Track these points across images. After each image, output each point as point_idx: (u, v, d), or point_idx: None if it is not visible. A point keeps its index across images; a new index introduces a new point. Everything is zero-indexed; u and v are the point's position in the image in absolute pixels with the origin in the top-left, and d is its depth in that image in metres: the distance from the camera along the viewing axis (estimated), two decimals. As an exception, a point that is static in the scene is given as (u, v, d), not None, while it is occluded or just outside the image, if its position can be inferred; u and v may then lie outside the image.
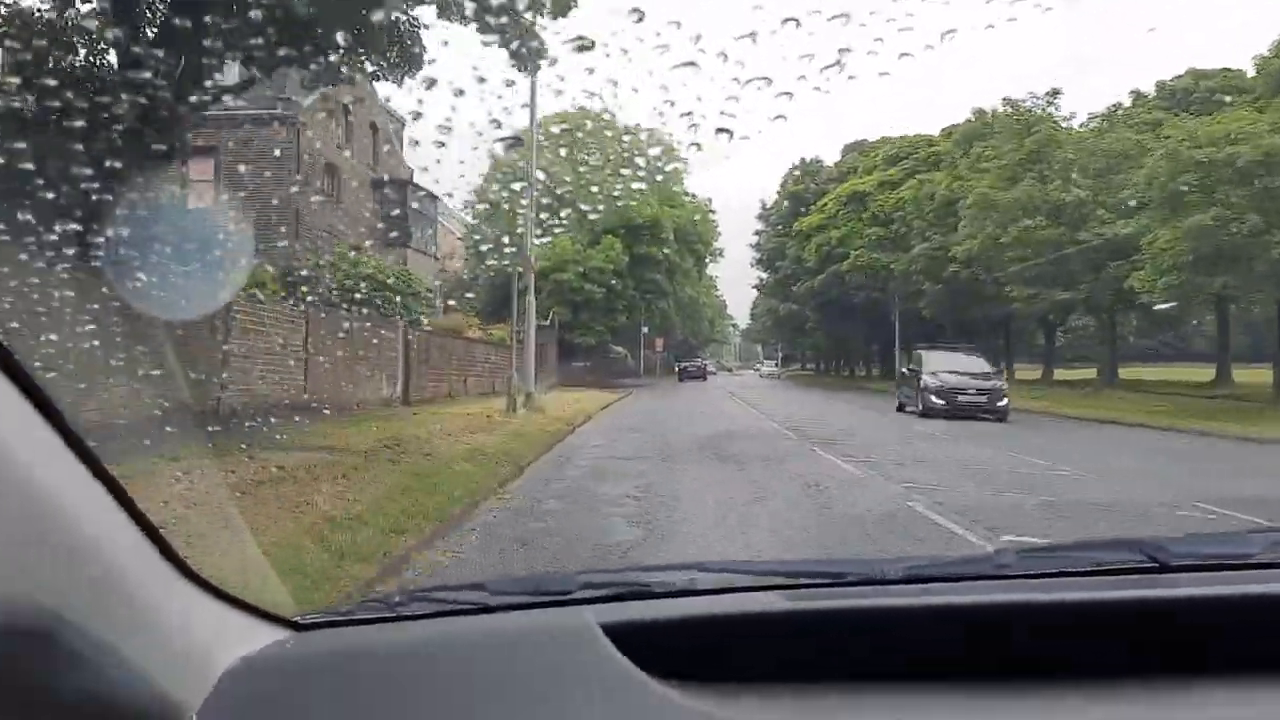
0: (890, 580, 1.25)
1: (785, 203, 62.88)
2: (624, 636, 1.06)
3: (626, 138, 25.24)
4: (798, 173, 62.64)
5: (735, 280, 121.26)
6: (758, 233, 67.24)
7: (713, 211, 53.47)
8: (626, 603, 1.19)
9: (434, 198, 29.70)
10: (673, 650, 1.06)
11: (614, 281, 39.48)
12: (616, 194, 23.83)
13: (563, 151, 25.49)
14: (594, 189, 22.83)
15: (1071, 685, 1.00)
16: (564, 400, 22.33)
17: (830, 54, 4.06)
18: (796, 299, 59.01)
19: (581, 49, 5.35)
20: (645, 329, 47.82)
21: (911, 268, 41.23)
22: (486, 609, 1.21)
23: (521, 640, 1.13)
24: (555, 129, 29.18)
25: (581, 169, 23.25)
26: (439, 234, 32.59)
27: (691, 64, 3.97)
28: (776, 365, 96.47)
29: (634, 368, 53.07)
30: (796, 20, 3.74)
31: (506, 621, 1.19)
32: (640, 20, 4.33)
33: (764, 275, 68.43)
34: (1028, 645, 1.06)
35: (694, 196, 49.05)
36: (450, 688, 1.05)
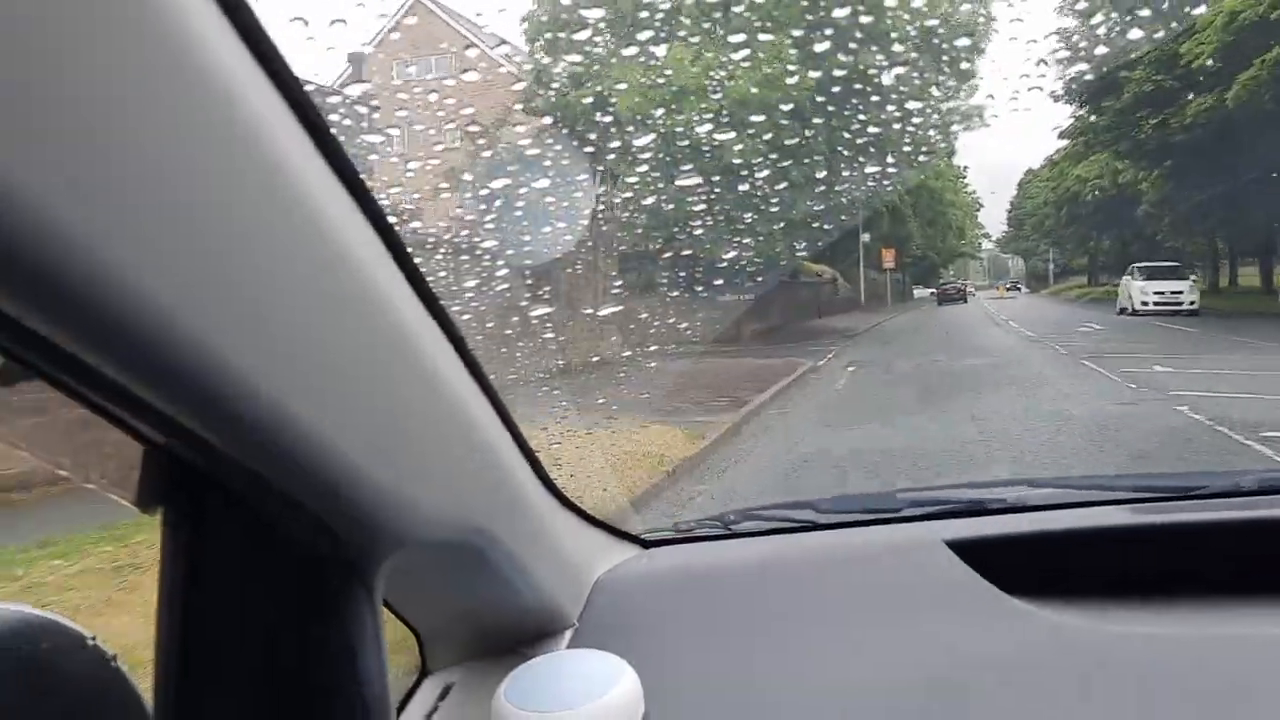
0: (1249, 492, 1.24)
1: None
2: (971, 552, 1.11)
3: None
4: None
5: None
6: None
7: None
8: (964, 519, 1.25)
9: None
10: (1022, 566, 1.10)
11: (794, 139, 17.09)
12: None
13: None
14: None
15: None
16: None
17: None
18: (1146, 151, 32.70)
19: None
20: (865, 235, 32.59)
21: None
22: (817, 526, 1.32)
23: (863, 555, 1.22)
24: None
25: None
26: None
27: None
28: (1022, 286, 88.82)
29: (845, 299, 37.80)
30: None
31: (841, 538, 1.30)
32: None
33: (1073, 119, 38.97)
34: None
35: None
36: (799, 600, 1.14)
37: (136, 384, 0.47)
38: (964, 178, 65.61)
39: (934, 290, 60.14)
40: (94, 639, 0.67)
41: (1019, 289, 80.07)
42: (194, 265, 0.44)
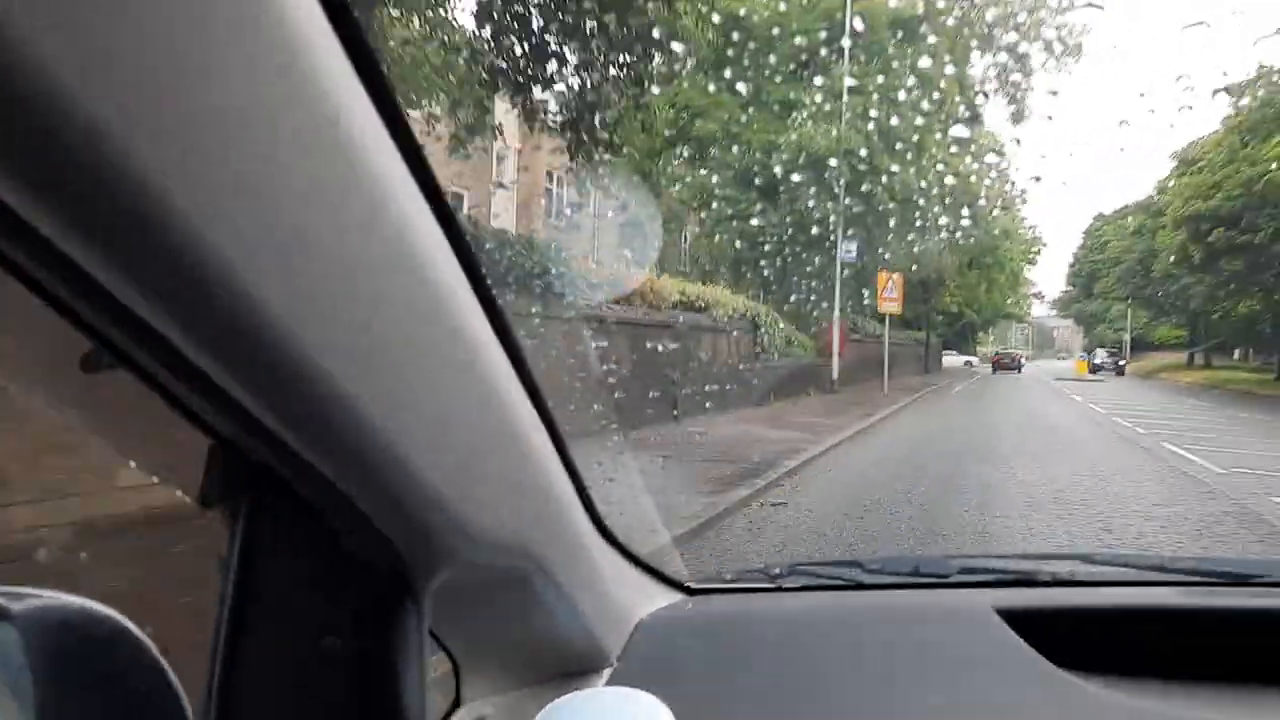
0: None
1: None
2: (1018, 620, 1.14)
3: None
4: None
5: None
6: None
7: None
8: (1015, 589, 1.28)
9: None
10: (1069, 639, 1.13)
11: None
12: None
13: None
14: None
15: None
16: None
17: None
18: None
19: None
20: (849, 251, 22.95)
21: None
22: (862, 586, 1.36)
23: (910, 617, 1.26)
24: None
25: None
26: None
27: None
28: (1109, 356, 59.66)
29: (794, 370, 22.56)
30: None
31: (889, 599, 1.34)
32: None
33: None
34: None
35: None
36: (840, 658, 1.17)
37: (228, 377, 0.51)
38: (1022, 202, 49.08)
39: (968, 360, 60.11)
40: (142, 634, 0.69)
41: (1113, 360, 55.24)
42: (303, 278, 0.49)
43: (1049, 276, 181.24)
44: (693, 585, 1.35)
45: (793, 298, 26.19)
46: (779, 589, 1.36)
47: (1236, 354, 60.50)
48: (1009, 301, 69.64)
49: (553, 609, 0.96)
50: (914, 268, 27.51)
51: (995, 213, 28.04)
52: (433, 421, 0.64)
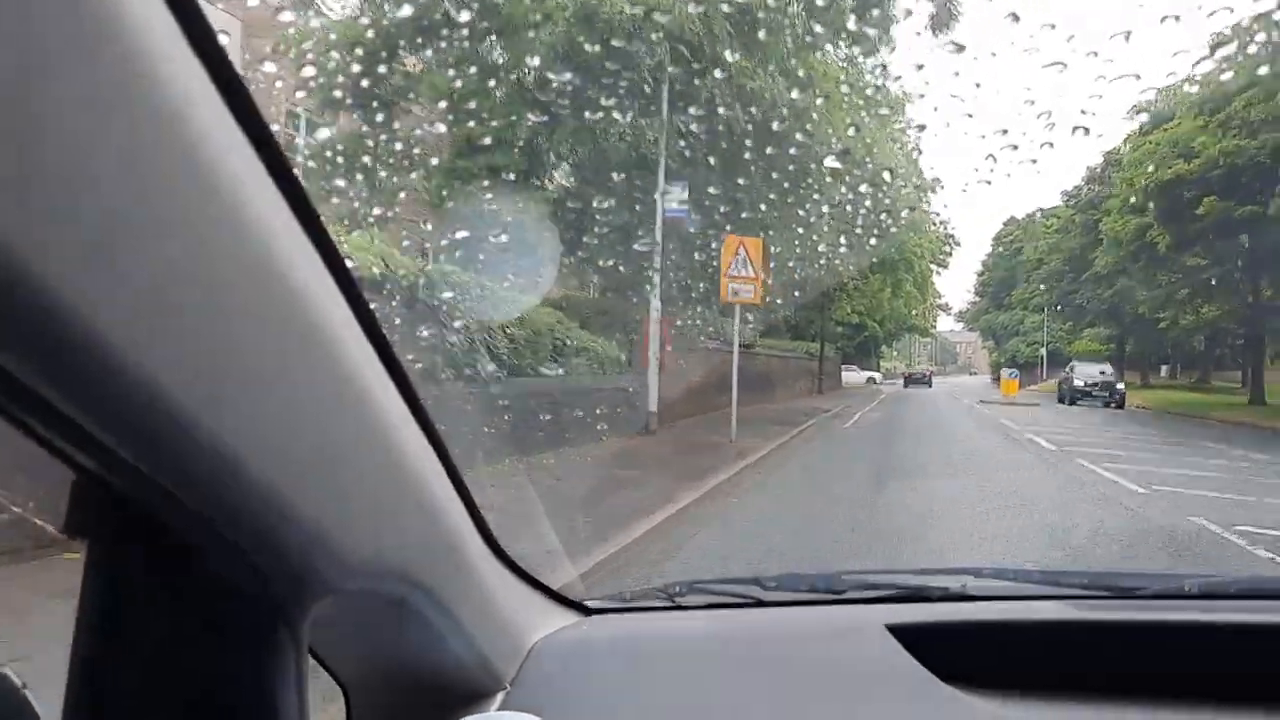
0: (1189, 595, 1.30)
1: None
2: (909, 637, 1.16)
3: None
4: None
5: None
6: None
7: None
8: (905, 604, 1.30)
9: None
10: (959, 655, 1.15)
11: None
12: None
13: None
14: None
15: None
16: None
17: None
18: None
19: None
20: (679, 205, 14.59)
21: None
22: (761, 603, 1.37)
23: (804, 635, 1.29)
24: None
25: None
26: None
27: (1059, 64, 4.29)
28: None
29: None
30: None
31: (785, 615, 1.36)
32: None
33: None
34: None
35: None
36: (735, 676, 1.18)
37: (76, 410, 0.49)
38: (934, 191, 41.12)
39: (871, 376, 56.30)
40: (3, 667, 0.71)
41: (1104, 382, 33.95)
42: (144, 299, 0.46)
43: (951, 288, 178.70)
44: (591, 605, 1.37)
45: (595, 280, 16.84)
46: (678, 608, 1.38)
47: (1164, 370, 53.88)
48: (914, 313, 62.69)
49: (443, 633, 0.95)
50: (796, 248, 18.73)
51: (906, 192, 23.11)
52: (304, 446, 0.61)
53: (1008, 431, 19.27)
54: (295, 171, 0.56)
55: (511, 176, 14.08)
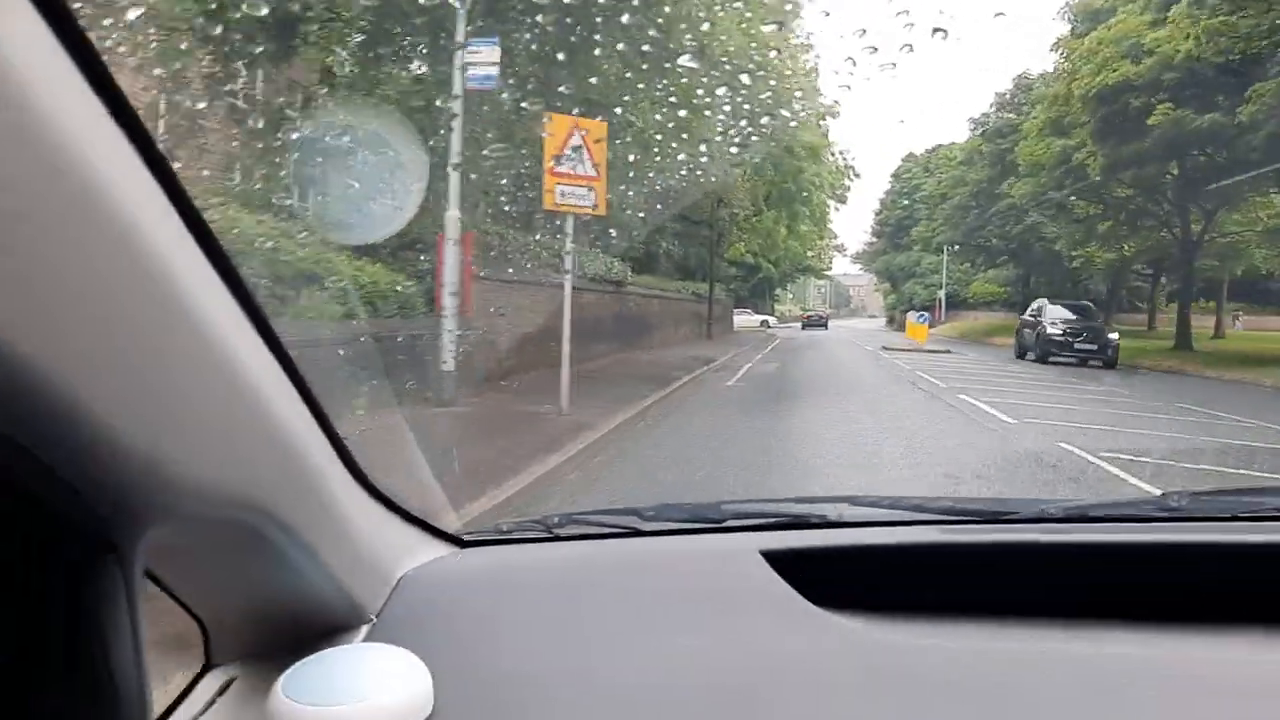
0: (1054, 519, 1.31)
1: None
2: (784, 563, 1.17)
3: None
4: None
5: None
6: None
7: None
8: (782, 531, 1.30)
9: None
10: (832, 579, 1.16)
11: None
12: None
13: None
14: None
15: (1242, 630, 1.07)
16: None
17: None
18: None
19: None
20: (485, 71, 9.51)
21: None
22: (639, 533, 1.36)
23: (679, 562, 1.28)
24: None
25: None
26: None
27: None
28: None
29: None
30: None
31: (662, 545, 1.35)
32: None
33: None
34: (1201, 588, 1.13)
35: None
36: (610, 604, 1.17)
37: None
38: (833, 116, 37.62)
39: (765, 320, 56.13)
40: None
41: (1088, 331, 24.78)
42: None
43: (847, 229, 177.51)
44: (466, 538, 1.35)
45: (380, 186, 12.24)
46: (554, 538, 1.36)
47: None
48: (810, 254, 59.62)
49: (300, 565, 0.93)
50: (656, 156, 14.76)
51: (765, 98, 19.98)
52: (121, 362, 0.58)
53: (925, 387, 15.41)
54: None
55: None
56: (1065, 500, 1.46)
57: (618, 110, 12.58)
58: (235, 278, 0.68)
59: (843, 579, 1.16)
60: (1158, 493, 3.79)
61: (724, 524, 1.34)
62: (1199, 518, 1.31)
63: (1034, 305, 28.05)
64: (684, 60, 14.41)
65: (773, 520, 1.33)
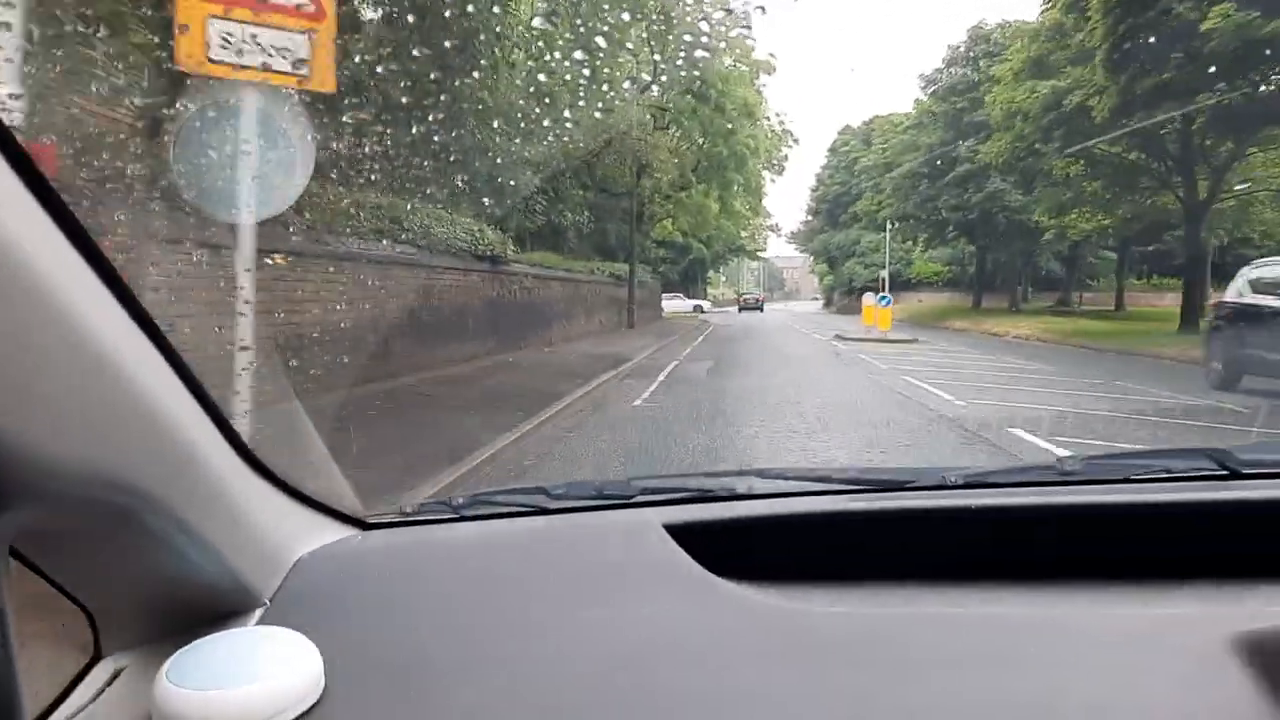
0: (954, 485, 1.34)
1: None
2: (686, 536, 1.18)
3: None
4: None
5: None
6: None
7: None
8: (688, 505, 1.32)
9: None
10: (735, 550, 1.18)
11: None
12: None
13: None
14: None
15: (1134, 585, 1.11)
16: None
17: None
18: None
19: None
20: None
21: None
22: (545, 511, 1.36)
23: (583, 537, 1.29)
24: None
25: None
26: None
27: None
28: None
29: None
30: None
31: (566, 522, 1.35)
32: None
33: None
34: (1092, 547, 1.17)
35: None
36: (512, 581, 1.17)
37: None
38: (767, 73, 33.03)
39: (698, 304, 55.58)
40: None
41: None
42: None
43: (781, 209, 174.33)
44: (369, 520, 1.34)
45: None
46: (460, 519, 1.36)
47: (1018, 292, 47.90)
48: (744, 234, 55.39)
49: (184, 548, 0.91)
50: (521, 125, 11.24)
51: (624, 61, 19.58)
52: None
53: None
54: None
55: None
56: (967, 467, 1.43)
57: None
58: (100, 259, 0.67)
59: (745, 550, 1.18)
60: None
61: (631, 499, 1.35)
62: (1093, 480, 1.37)
63: (1247, 275, 13.23)
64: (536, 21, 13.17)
65: (678, 495, 1.35)
